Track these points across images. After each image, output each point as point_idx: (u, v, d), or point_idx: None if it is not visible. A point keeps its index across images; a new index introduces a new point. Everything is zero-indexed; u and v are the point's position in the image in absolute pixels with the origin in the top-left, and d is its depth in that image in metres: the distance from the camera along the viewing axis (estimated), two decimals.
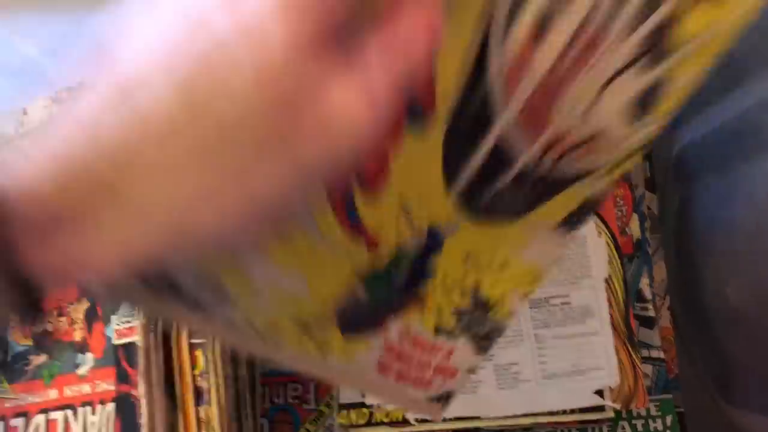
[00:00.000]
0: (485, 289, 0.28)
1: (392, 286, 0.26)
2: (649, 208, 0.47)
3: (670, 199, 0.48)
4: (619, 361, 0.42)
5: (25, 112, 0.44)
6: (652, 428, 0.44)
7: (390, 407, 0.42)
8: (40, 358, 0.42)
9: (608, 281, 0.43)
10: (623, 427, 0.43)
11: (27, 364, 0.42)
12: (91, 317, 0.41)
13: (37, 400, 0.42)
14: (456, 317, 0.28)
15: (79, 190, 0.15)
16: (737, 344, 0.44)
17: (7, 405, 0.42)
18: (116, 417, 0.39)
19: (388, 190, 0.22)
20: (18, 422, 0.42)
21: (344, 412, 0.43)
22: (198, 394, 0.38)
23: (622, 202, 0.45)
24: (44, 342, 0.43)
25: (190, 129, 0.15)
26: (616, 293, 0.43)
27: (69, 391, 0.41)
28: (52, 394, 0.41)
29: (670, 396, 0.44)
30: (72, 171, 0.15)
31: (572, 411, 0.42)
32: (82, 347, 0.41)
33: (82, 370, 0.41)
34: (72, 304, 0.42)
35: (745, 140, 0.41)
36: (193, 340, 0.38)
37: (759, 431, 0.45)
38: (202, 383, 0.38)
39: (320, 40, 0.15)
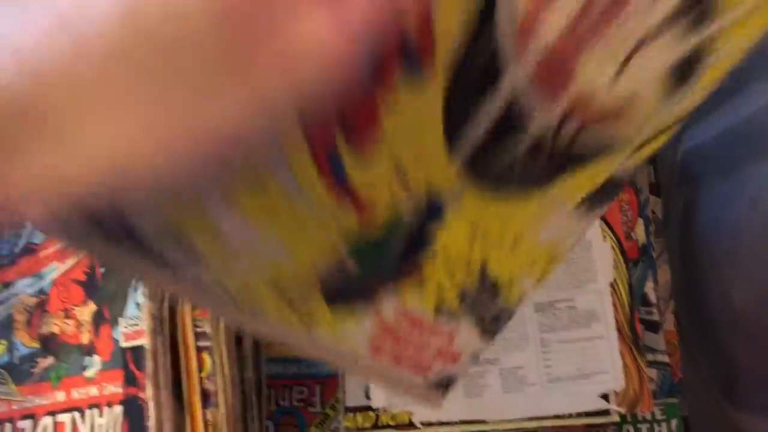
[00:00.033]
0: (493, 268, 0.25)
1: (386, 257, 0.23)
2: (653, 212, 0.47)
3: (674, 203, 0.49)
4: (625, 365, 0.42)
5: None
6: None
7: (396, 410, 0.43)
8: (47, 360, 0.42)
9: (613, 285, 0.43)
10: (628, 431, 0.44)
11: (34, 366, 0.43)
12: (98, 320, 0.42)
13: (45, 402, 0.42)
14: (460, 298, 0.26)
15: (3, 117, 0.14)
16: (741, 347, 0.45)
17: (14, 407, 0.42)
18: (124, 419, 0.39)
19: (380, 148, 0.20)
20: (25, 424, 0.42)
21: (350, 415, 0.43)
22: (205, 397, 0.38)
23: (627, 206, 0.45)
24: (51, 344, 0.43)
25: (133, 53, 0.14)
26: (622, 297, 0.43)
27: (76, 394, 0.41)
28: (60, 396, 0.42)
29: (675, 400, 0.44)
30: None
31: (577, 415, 0.42)
32: (90, 350, 0.41)
33: (89, 373, 0.41)
34: (78, 306, 0.42)
35: (751, 144, 0.41)
36: (201, 343, 0.39)
37: None
38: (209, 386, 0.38)
39: None
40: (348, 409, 0.43)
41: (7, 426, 0.42)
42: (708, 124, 0.45)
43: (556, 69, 0.19)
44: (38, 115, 0.14)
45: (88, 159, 0.14)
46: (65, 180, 0.15)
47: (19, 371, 0.43)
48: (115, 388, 0.40)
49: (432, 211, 0.22)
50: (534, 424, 0.42)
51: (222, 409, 0.38)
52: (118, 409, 0.39)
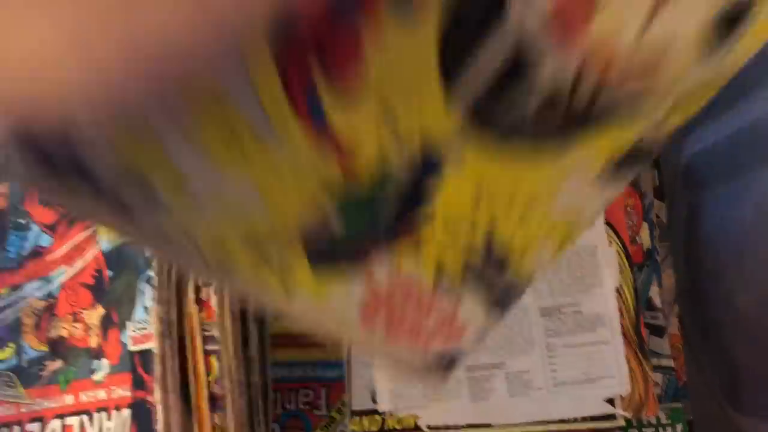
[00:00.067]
0: (502, 237, 0.23)
1: (378, 217, 0.21)
2: (657, 216, 0.47)
3: (678, 207, 0.49)
4: (630, 369, 0.42)
5: None
6: None
7: (402, 414, 0.43)
8: (56, 364, 0.43)
9: (619, 290, 0.43)
10: None
11: (42, 370, 0.43)
12: (106, 323, 0.42)
13: (53, 405, 0.42)
14: (463, 266, 0.23)
15: None
16: (745, 352, 0.45)
17: (22, 410, 0.43)
18: (132, 423, 0.39)
19: (365, 89, 0.17)
20: (34, 427, 0.42)
21: (356, 418, 0.43)
22: (213, 401, 0.39)
23: (632, 211, 0.45)
24: (59, 347, 0.43)
25: None
26: (627, 302, 0.43)
27: (85, 397, 0.41)
28: (68, 399, 0.42)
29: (680, 404, 0.44)
30: None
31: (583, 419, 0.42)
32: (98, 353, 0.42)
33: (97, 376, 0.41)
34: (87, 310, 0.43)
35: (755, 149, 0.41)
36: (208, 347, 0.39)
37: None
38: (217, 390, 0.39)
39: None
40: (354, 413, 0.43)
41: (16, 429, 0.42)
42: (713, 129, 0.45)
43: (569, 9, 0.16)
44: None
45: (8, 78, 0.12)
46: None
47: (27, 374, 0.43)
48: (123, 392, 0.40)
49: (428, 165, 0.20)
50: (540, 428, 0.42)
51: (229, 413, 0.38)
52: (127, 412, 0.40)
